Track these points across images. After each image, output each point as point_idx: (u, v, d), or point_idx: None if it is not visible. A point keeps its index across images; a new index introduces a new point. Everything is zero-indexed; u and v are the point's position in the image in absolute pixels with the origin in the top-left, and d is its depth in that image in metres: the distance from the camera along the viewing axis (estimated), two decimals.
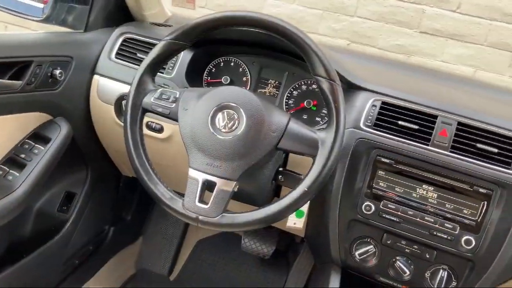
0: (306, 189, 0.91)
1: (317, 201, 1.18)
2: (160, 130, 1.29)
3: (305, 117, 1.31)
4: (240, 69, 1.37)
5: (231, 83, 1.36)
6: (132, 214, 1.96)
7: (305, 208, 1.23)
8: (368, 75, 1.25)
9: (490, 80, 2.64)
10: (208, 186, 0.94)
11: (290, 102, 1.32)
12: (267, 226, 0.99)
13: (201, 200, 0.94)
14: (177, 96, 1.02)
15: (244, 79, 1.37)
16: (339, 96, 0.93)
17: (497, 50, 2.60)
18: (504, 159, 1.04)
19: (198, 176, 0.94)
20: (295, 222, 1.24)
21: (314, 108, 1.29)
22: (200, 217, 0.93)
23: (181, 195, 0.97)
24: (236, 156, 0.93)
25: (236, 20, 0.97)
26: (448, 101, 1.15)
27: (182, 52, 1.28)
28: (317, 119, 1.30)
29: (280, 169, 1.14)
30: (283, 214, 0.93)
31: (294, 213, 1.22)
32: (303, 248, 1.89)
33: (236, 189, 0.95)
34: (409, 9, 2.69)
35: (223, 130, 0.95)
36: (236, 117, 0.95)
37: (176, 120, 1.00)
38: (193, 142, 0.96)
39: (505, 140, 1.06)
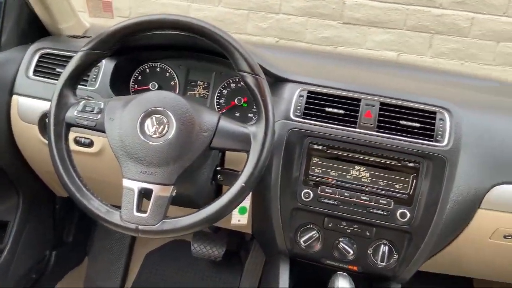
0: (244, 184, 0.92)
1: (259, 195, 1.19)
2: (90, 144, 1.25)
3: (238, 115, 1.31)
4: (167, 73, 1.35)
5: (160, 88, 1.34)
6: (73, 235, 1.88)
7: (247, 204, 1.24)
8: (294, 68, 1.27)
9: (414, 61, 2.78)
10: (145, 194, 0.93)
11: (221, 101, 1.32)
12: (213, 227, 0.98)
13: (140, 210, 0.92)
14: (102, 106, 0.99)
15: (172, 83, 1.35)
16: (265, 89, 0.95)
17: (417, 33, 2.75)
18: (426, 132, 1.11)
19: (133, 185, 0.92)
20: (240, 219, 1.24)
21: (246, 105, 1.31)
22: (140, 227, 0.91)
23: (119, 208, 0.94)
24: (170, 160, 0.92)
25: (153, 24, 0.95)
26: (370, 84, 1.20)
27: (104, 62, 1.26)
28: (250, 115, 1.31)
29: (218, 168, 1.14)
30: (224, 211, 0.93)
31: (237, 210, 1.22)
32: (253, 245, 1.90)
33: (174, 194, 0.94)
34: (330, 2, 2.78)
35: (154, 136, 0.94)
36: (165, 121, 0.94)
37: (103, 131, 0.98)
38: (124, 152, 0.94)
39: (425, 114, 1.13)
